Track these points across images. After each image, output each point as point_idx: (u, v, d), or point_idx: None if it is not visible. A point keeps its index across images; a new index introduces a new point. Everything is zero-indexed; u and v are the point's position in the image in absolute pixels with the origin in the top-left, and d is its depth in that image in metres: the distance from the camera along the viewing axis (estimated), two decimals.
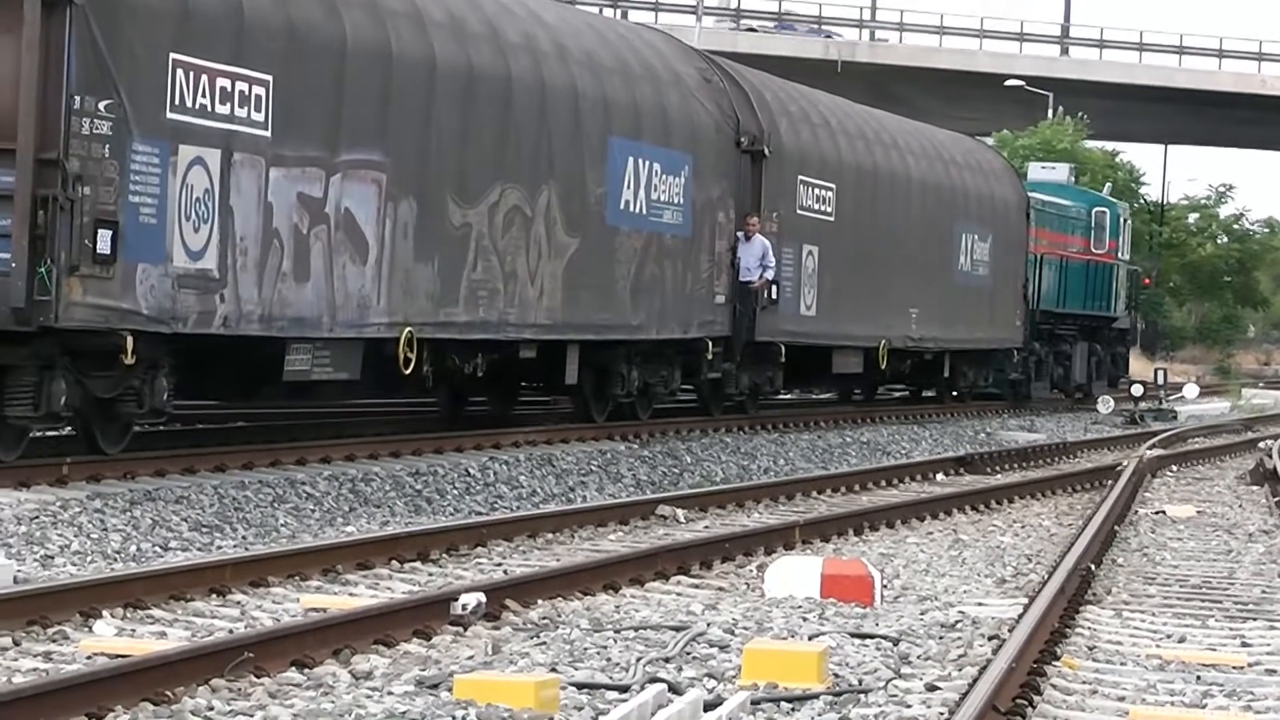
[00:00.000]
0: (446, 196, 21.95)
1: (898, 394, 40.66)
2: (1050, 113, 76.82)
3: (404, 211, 21.15)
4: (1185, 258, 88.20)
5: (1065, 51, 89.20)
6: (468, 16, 22.85)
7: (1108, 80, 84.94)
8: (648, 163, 26.28)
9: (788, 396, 37.13)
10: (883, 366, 34.42)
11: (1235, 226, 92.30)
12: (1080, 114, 76.80)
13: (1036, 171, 51.30)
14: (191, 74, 18.04)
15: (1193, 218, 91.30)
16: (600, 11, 77.42)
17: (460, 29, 22.50)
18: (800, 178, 30.96)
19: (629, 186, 25.86)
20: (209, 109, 18.26)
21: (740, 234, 28.87)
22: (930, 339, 36.54)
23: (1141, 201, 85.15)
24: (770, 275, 29.05)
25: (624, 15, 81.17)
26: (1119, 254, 49.11)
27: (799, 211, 30.89)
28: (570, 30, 25.76)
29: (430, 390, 24.63)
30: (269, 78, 18.96)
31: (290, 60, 19.34)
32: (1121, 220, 49.93)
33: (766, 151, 29.45)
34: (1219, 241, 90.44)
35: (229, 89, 18.51)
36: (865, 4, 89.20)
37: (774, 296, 29.45)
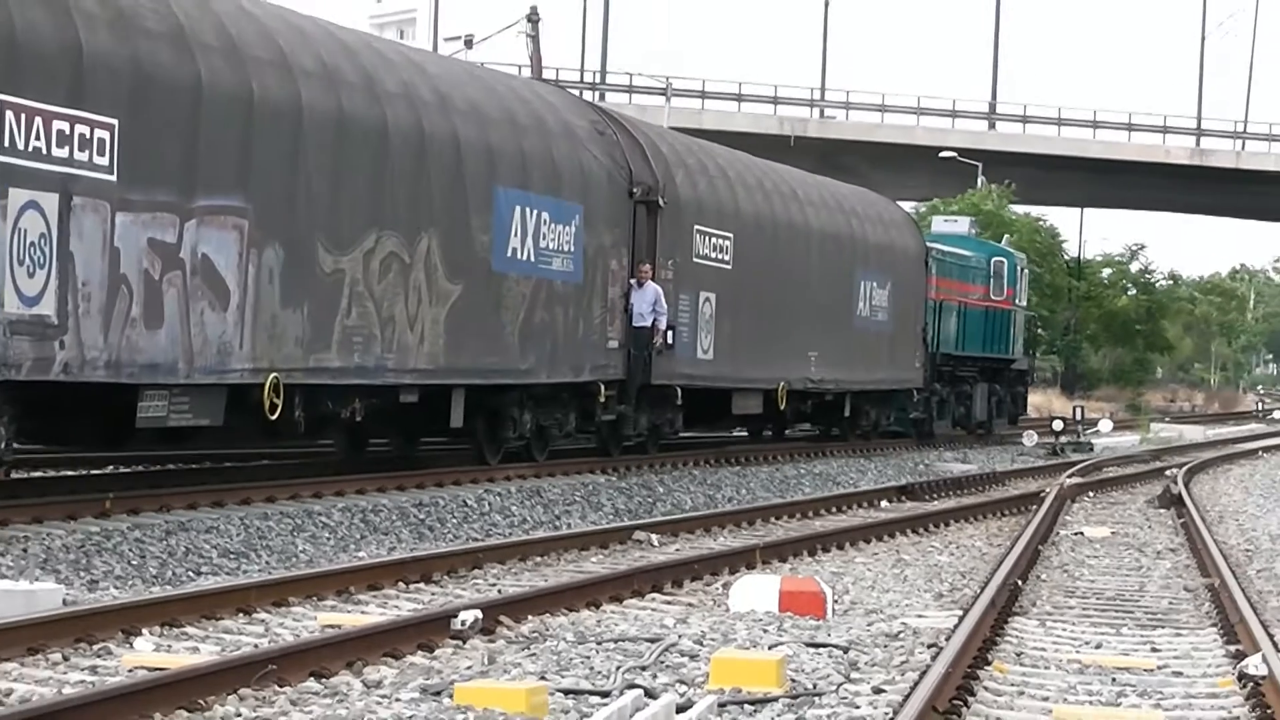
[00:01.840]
0: (316, 243, 19.71)
1: (804, 433, 38.64)
2: (979, 181, 77.02)
3: (269, 257, 18.90)
4: (1101, 308, 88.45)
5: (993, 126, 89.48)
6: (341, 65, 20.56)
7: (1031, 151, 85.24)
8: (536, 211, 24.09)
9: (719, 435, 35.38)
10: (782, 407, 32.57)
11: (1144, 280, 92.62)
12: (1007, 181, 77.02)
13: (939, 224, 49.87)
14: (23, 116, 15.79)
15: (1106, 273, 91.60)
16: (581, 94, 77.64)
17: (332, 76, 20.19)
18: (697, 227, 29.07)
19: (516, 234, 23.67)
20: (44, 152, 15.98)
21: (633, 281, 26.99)
22: (830, 380, 34.79)
23: (1062, 259, 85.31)
24: (663, 323, 27.23)
25: (601, 97, 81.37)
26: (1016, 300, 47.45)
27: (695, 259, 29.04)
28: (454, 81, 23.52)
29: (303, 436, 22.02)
30: (114, 121, 16.72)
31: (137, 103, 17.07)
32: (1019, 269, 48.24)
33: (661, 201, 27.58)
34: (1130, 293, 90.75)
35: (67, 132, 16.23)
36: (815, 85, 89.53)
37: (670, 341, 27.68)
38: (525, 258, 23.93)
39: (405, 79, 21.83)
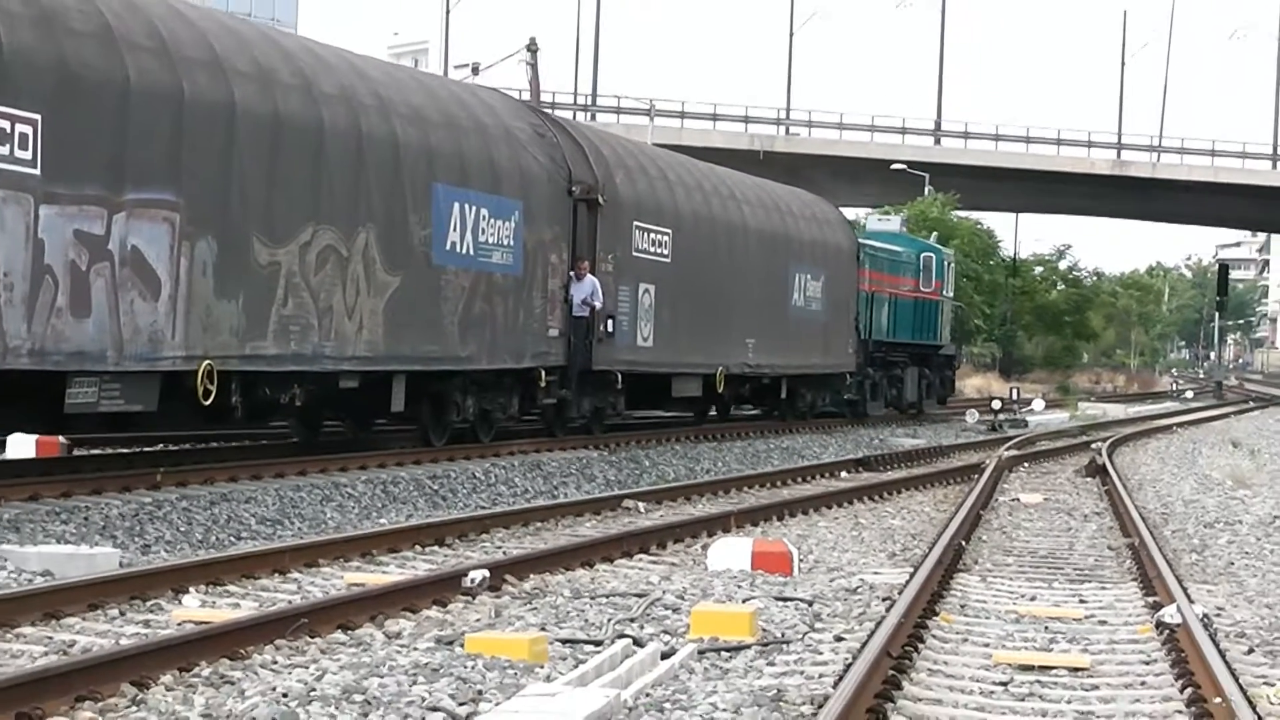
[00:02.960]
0: (251, 236, 18.20)
1: (746, 413, 36.59)
2: (926, 190, 77.06)
3: (202, 250, 17.38)
4: (1035, 301, 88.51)
5: (938, 141, 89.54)
6: (278, 67, 19.06)
7: (971, 164, 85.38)
8: (475, 208, 22.58)
9: (665, 414, 33.91)
10: (720, 390, 31.25)
11: (1072, 276, 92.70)
12: (953, 192, 77.01)
13: (874, 223, 48.77)
14: None
15: (1038, 270, 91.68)
16: (574, 116, 77.48)
17: (267, 78, 18.68)
18: (636, 223, 27.67)
19: (455, 229, 22.13)
20: None
21: (573, 274, 25.57)
22: (767, 365, 33.32)
23: (1000, 259, 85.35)
24: (598, 305, 25.82)
25: (593, 117, 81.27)
26: (944, 292, 45.95)
27: (635, 254, 27.65)
28: (394, 85, 21.86)
29: (241, 422, 20.31)
30: (36, 116, 15.29)
31: (61, 100, 15.59)
32: (946, 264, 46.71)
33: (601, 199, 26.17)
34: (1059, 288, 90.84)
35: None
36: (782, 105, 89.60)
37: (609, 329, 26.41)
38: (464, 251, 22.52)
39: (344, 82, 20.42)
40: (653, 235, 28.39)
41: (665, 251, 28.84)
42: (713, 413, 34.13)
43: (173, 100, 17.03)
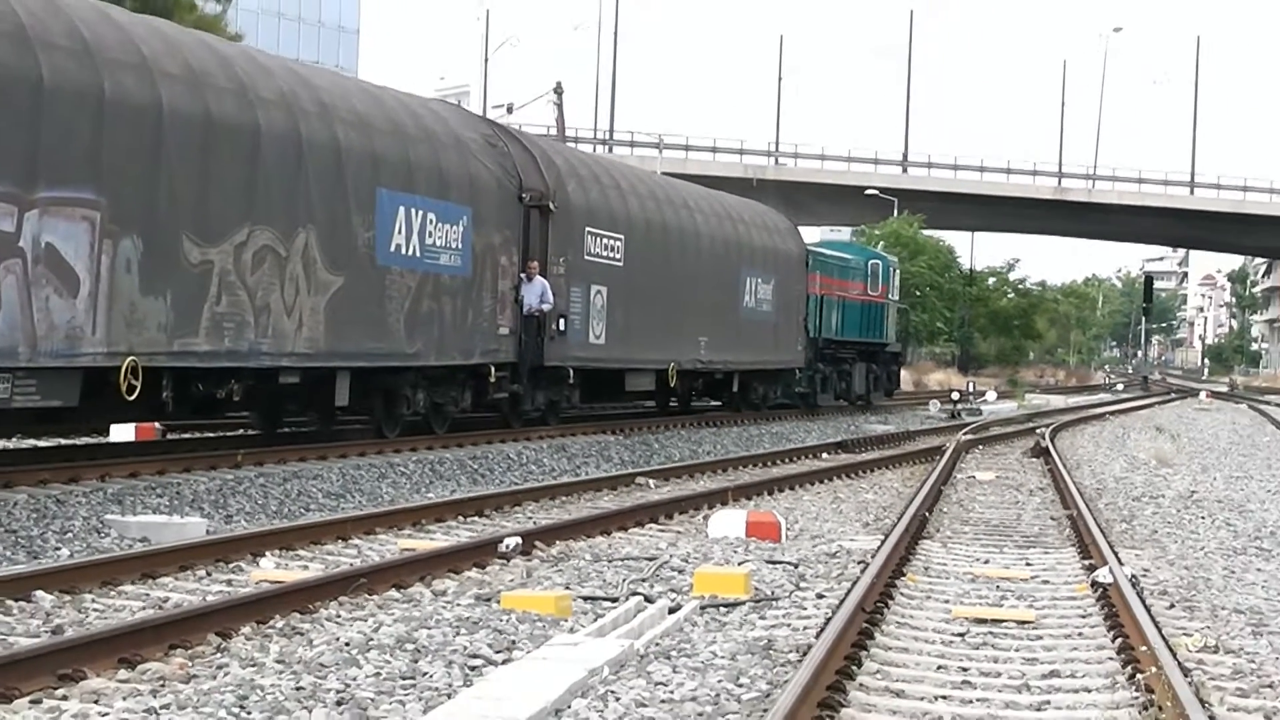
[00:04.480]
0: (181, 235, 15.89)
1: (705, 405, 34.61)
2: (895, 212, 77.00)
3: (126, 248, 15.02)
4: (988, 307, 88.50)
5: (905, 170, 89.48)
6: (212, 71, 16.69)
7: (934, 190, 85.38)
8: (421, 212, 20.38)
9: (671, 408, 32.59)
10: (673, 384, 29.43)
11: (1020, 286, 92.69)
12: (919, 214, 76.91)
13: (826, 233, 47.48)
14: None
15: (992, 280, 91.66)
16: (594, 149, 77.40)
17: (199, 81, 16.30)
18: (588, 229, 25.43)
19: (400, 232, 19.94)
20: None
21: (524, 275, 23.47)
22: (719, 361, 31.22)
23: (958, 271, 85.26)
24: (547, 307, 23.73)
25: (610, 150, 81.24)
26: (889, 296, 44.34)
27: (587, 257, 25.43)
28: (339, 93, 19.53)
29: (171, 415, 17.86)
30: None
31: None
32: (892, 270, 45.05)
33: (552, 206, 24.06)
34: (1009, 296, 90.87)
35: None
36: (772, 139, 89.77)
37: (561, 328, 24.39)
38: (410, 253, 20.27)
39: (284, 88, 18.06)
40: (605, 240, 26.25)
41: (618, 255, 26.72)
42: (673, 403, 32.76)
43: (92, 99, 14.72)
